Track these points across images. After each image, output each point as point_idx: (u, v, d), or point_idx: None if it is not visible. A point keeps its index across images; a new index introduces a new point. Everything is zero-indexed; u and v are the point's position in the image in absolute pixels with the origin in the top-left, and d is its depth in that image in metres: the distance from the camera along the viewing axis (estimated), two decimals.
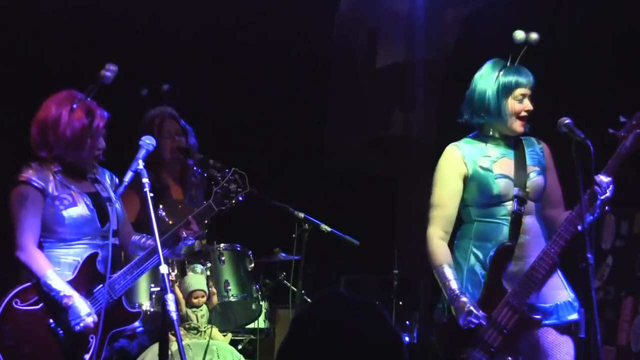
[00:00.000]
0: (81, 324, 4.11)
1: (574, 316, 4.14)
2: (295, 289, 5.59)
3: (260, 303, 5.57)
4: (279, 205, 5.52)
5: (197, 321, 5.14)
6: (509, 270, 4.16)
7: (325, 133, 8.40)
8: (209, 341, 5.03)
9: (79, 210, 4.26)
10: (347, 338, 2.13)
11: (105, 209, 4.31)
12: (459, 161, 4.26)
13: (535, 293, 4.13)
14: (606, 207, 4.12)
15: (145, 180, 4.08)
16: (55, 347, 4.14)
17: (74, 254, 4.26)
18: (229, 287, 5.33)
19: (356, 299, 2.20)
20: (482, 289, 4.17)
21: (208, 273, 5.24)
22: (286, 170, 7.72)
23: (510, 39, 4.21)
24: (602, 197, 4.06)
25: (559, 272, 4.22)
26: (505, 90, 4.20)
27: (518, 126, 4.25)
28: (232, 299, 5.37)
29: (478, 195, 4.23)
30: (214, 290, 5.23)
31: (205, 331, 5.13)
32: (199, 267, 5.21)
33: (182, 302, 5.11)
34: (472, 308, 4.06)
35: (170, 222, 5.25)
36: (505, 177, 4.22)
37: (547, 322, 4.15)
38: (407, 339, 7.01)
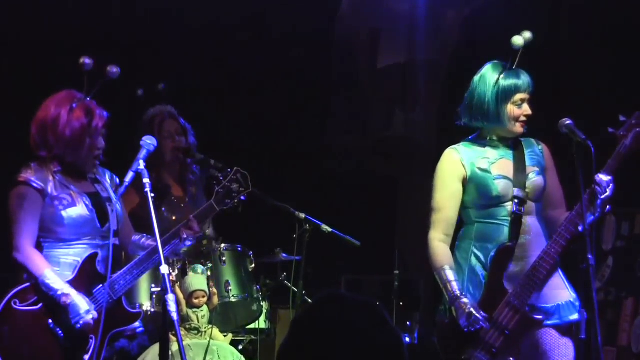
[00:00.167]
0: (81, 322, 4.11)
1: (575, 316, 4.14)
2: (296, 290, 5.59)
3: (261, 303, 5.57)
4: (280, 205, 5.52)
5: (198, 321, 5.14)
6: (510, 270, 4.16)
7: (327, 133, 8.40)
8: (209, 341, 5.03)
9: (78, 210, 4.26)
10: (347, 339, 2.13)
11: (104, 209, 4.30)
12: (458, 164, 4.26)
13: (536, 293, 4.13)
14: (607, 207, 4.12)
15: (146, 180, 4.07)
16: (55, 348, 4.13)
17: (74, 254, 4.26)
18: (230, 288, 5.33)
19: (357, 299, 2.20)
20: (483, 290, 4.17)
21: (209, 273, 5.24)
22: (287, 170, 7.72)
23: (511, 38, 4.21)
24: (603, 197, 4.05)
25: (560, 272, 4.21)
26: (505, 96, 4.19)
27: (518, 128, 4.25)
28: (232, 299, 5.37)
29: (477, 196, 4.23)
30: (215, 290, 5.22)
31: (205, 331, 5.12)
32: (199, 268, 5.20)
33: (183, 302, 5.11)
34: (472, 310, 4.06)
35: (174, 218, 5.27)
36: (504, 178, 4.21)
37: (548, 322, 4.15)
38: (407, 339, 7.01)
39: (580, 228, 4.01)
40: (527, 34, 4.20)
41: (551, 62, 6.25)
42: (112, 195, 4.36)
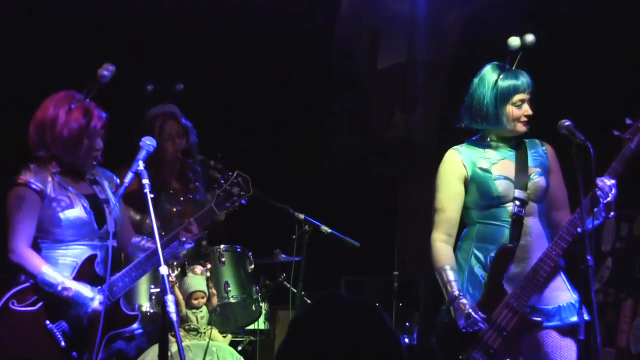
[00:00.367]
0: (89, 310, 4.12)
1: (576, 318, 4.12)
2: (295, 290, 5.58)
3: (260, 304, 5.57)
4: (279, 206, 5.52)
5: (197, 322, 5.14)
6: (511, 271, 4.16)
7: (327, 134, 8.40)
8: (208, 342, 5.03)
9: (75, 212, 4.26)
10: (346, 340, 2.13)
11: (102, 211, 4.30)
12: (459, 164, 4.25)
13: (537, 295, 4.12)
14: (612, 213, 4.09)
15: (145, 181, 4.07)
16: (52, 349, 4.13)
17: (72, 255, 4.25)
18: (229, 288, 5.33)
19: (355, 300, 2.20)
20: (482, 291, 4.16)
21: (208, 274, 5.24)
22: (287, 171, 7.72)
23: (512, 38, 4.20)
24: (605, 201, 4.04)
25: (561, 273, 4.21)
26: (504, 97, 4.19)
27: (520, 127, 4.24)
28: (232, 300, 5.37)
29: (478, 197, 4.23)
30: (214, 291, 5.23)
31: (205, 332, 5.13)
32: (199, 268, 5.20)
33: (182, 303, 5.11)
34: (471, 310, 4.06)
35: (174, 210, 5.27)
36: (505, 178, 4.21)
37: (549, 324, 4.14)
38: (406, 340, 7.01)
39: (580, 230, 4.00)
40: (530, 37, 4.20)
41: (551, 62, 6.24)
42: (111, 196, 4.36)
